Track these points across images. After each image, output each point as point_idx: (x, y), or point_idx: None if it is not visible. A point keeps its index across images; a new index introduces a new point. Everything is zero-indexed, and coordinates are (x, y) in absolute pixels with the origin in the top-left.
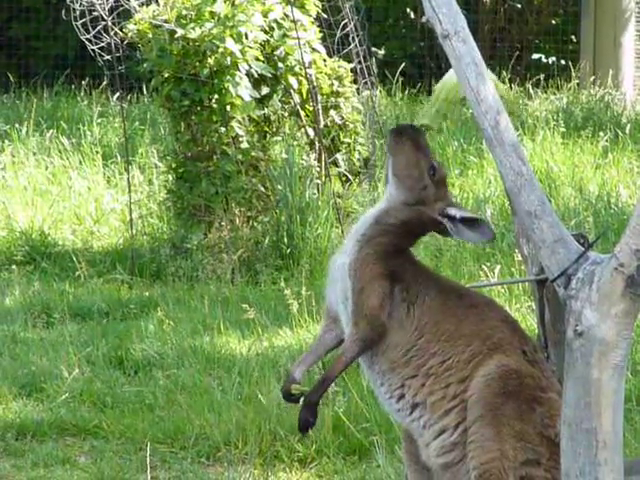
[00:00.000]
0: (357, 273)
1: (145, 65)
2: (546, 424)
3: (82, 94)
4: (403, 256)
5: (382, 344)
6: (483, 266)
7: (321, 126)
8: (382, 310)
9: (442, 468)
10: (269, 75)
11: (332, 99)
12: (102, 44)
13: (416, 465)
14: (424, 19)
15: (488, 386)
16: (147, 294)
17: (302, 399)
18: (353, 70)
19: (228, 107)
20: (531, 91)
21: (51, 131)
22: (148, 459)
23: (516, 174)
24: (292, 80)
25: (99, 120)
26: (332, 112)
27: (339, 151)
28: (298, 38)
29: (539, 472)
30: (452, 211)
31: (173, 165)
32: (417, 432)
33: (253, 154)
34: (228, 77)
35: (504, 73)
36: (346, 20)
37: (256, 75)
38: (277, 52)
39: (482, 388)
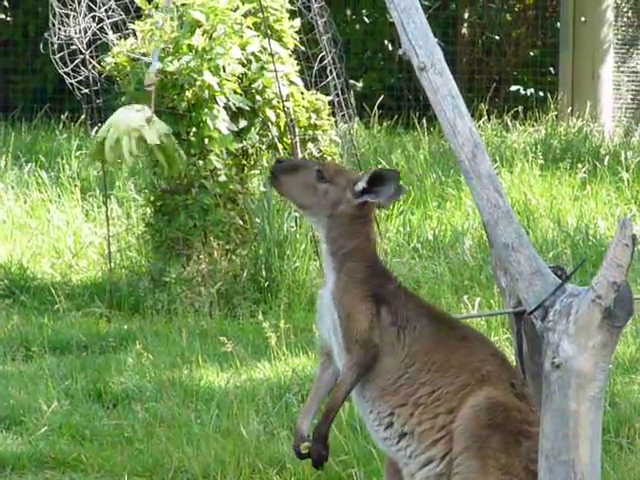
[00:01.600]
0: (341, 301)
1: (123, 98)
2: (532, 458)
3: (61, 127)
4: (383, 278)
5: (373, 370)
6: (462, 298)
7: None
8: (372, 331)
9: None
10: (247, 108)
11: (310, 132)
12: (80, 77)
13: None
14: (401, 52)
15: (475, 418)
16: (126, 327)
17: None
18: (331, 103)
19: (206, 140)
20: (509, 123)
21: (30, 165)
22: None
23: (493, 206)
24: (270, 113)
25: (77, 153)
26: (310, 145)
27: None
28: (276, 71)
29: None
30: (359, 186)
31: (151, 198)
32: (402, 462)
33: (231, 187)
34: (206, 110)
35: (482, 105)
36: (324, 53)
37: (234, 108)
38: (255, 85)
39: (469, 419)
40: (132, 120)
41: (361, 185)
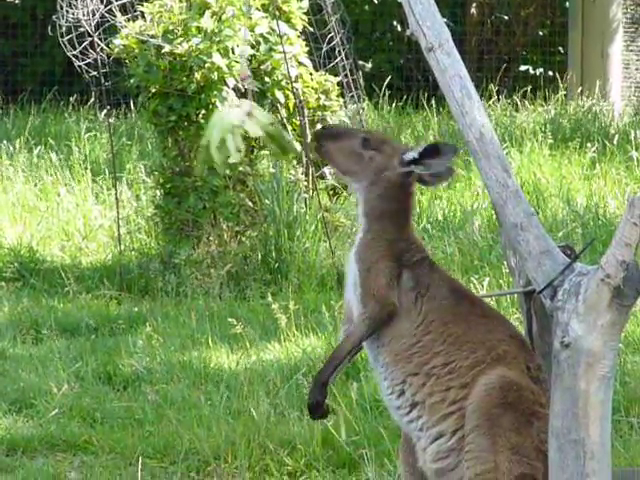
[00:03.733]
0: (363, 255)
1: (132, 81)
2: (543, 439)
3: (70, 110)
4: (411, 245)
5: (388, 334)
6: (471, 278)
7: (308, 140)
8: (390, 289)
9: (437, 474)
10: (256, 89)
11: (319, 113)
12: (89, 60)
13: (412, 476)
14: (409, 32)
15: (488, 396)
16: (136, 309)
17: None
18: (340, 84)
19: None
20: (518, 103)
21: (39, 147)
22: (139, 474)
23: (501, 186)
24: (279, 94)
25: (87, 136)
26: (319, 126)
27: (326, 165)
28: (284, 52)
29: None
30: (409, 155)
31: (161, 180)
32: (415, 435)
33: (240, 169)
34: (215, 92)
35: (491, 85)
36: (332, 34)
37: (243, 90)
38: (263, 66)
39: (481, 397)
40: (232, 117)
41: (411, 155)
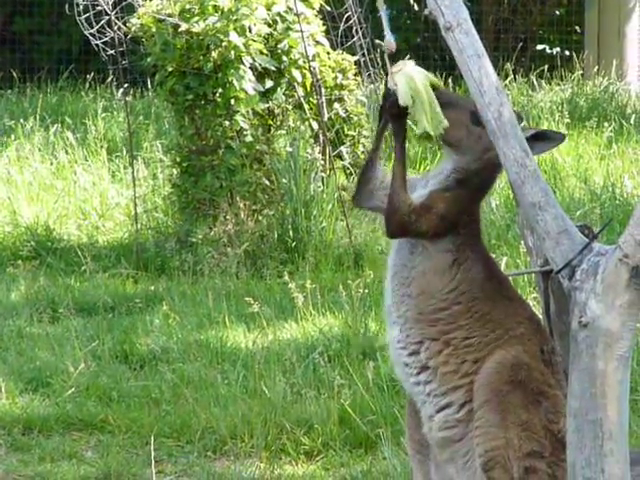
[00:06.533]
0: (445, 182)
1: (149, 59)
2: (550, 419)
3: (86, 89)
4: (472, 225)
5: (418, 285)
6: None
7: (325, 119)
8: (436, 220)
9: (442, 444)
10: (273, 68)
11: (336, 92)
12: (106, 39)
13: (420, 455)
14: (427, 11)
15: (497, 372)
16: (152, 288)
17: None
18: (357, 63)
19: (232, 101)
20: (535, 82)
21: (56, 126)
22: (154, 453)
23: (520, 166)
24: (296, 73)
25: (104, 115)
26: (336, 105)
27: (343, 144)
28: (301, 31)
29: (542, 465)
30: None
31: (177, 159)
32: (420, 399)
33: (257, 147)
34: (232, 71)
35: (508, 64)
36: (349, 13)
37: (260, 68)
38: (281, 45)
39: (491, 373)
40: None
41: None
